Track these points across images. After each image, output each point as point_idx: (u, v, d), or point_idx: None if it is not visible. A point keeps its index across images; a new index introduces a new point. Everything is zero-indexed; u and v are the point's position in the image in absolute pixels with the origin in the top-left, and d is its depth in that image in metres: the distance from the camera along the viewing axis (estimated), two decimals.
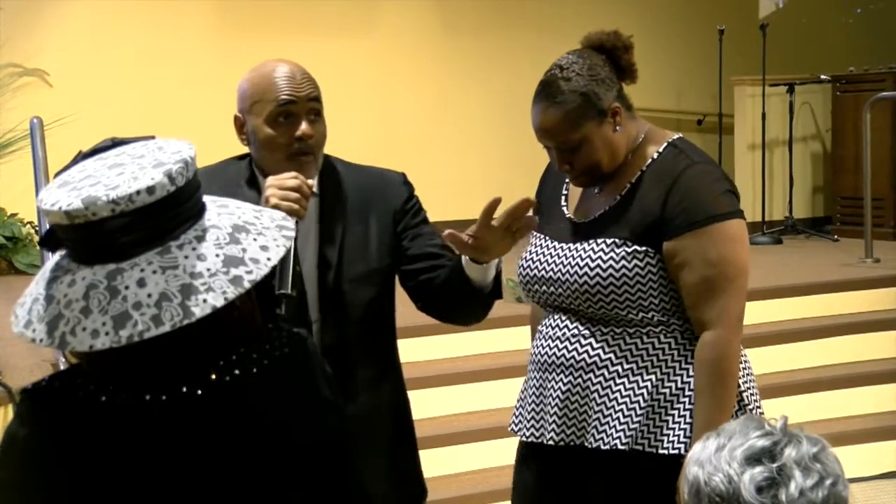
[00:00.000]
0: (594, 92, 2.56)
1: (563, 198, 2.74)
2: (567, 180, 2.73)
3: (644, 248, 2.55)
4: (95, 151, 1.56)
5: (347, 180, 2.59)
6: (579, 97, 2.55)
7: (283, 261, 2.29)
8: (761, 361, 5.65)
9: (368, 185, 2.60)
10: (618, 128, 2.59)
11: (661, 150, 2.62)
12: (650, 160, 2.61)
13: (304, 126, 2.45)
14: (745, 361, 2.67)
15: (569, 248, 2.64)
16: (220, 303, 1.44)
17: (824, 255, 7.46)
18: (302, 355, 1.61)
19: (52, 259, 1.53)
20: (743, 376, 2.62)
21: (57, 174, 1.54)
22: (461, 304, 2.54)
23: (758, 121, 8.45)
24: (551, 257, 2.65)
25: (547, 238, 2.70)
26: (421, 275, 2.57)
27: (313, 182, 2.48)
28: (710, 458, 1.51)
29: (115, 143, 1.58)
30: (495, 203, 2.35)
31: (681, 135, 2.68)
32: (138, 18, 7.71)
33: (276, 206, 2.32)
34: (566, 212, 2.72)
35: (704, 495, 1.49)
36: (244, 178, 2.55)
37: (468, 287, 2.46)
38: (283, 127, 2.45)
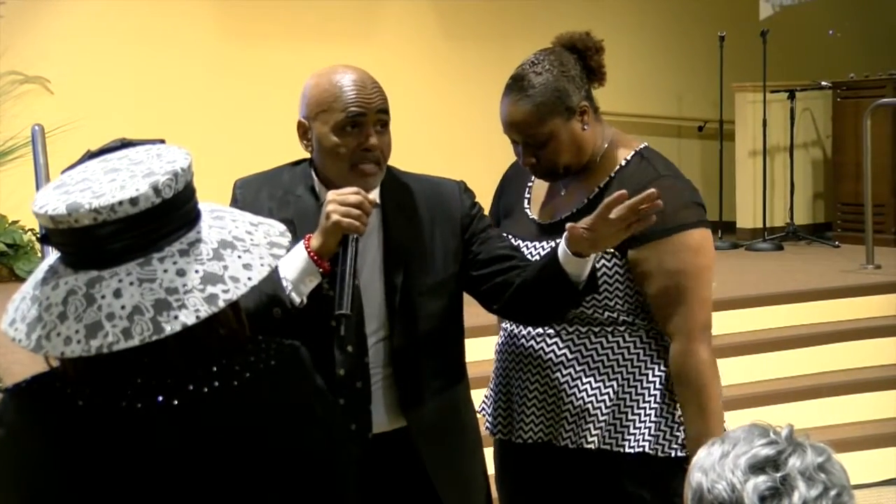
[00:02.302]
0: (564, 88, 2.57)
1: (527, 200, 2.75)
2: (530, 183, 2.74)
3: (611, 251, 2.54)
4: (103, 151, 1.56)
5: (408, 190, 2.54)
6: (550, 91, 2.56)
7: (342, 280, 2.27)
8: (762, 368, 5.67)
9: (429, 194, 2.55)
10: (585, 126, 2.60)
11: (629, 157, 2.63)
12: (619, 166, 2.62)
13: (372, 138, 2.41)
14: None
15: (534, 245, 2.65)
16: (191, 321, 1.43)
17: (825, 261, 7.45)
18: (289, 368, 1.58)
19: (48, 259, 1.53)
20: None
21: (64, 171, 1.53)
22: (551, 300, 2.47)
23: (759, 127, 8.44)
24: None
25: (512, 237, 2.70)
26: (496, 277, 2.52)
27: (374, 196, 2.44)
28: (714, 465, 1.50)
29: (124, 144, 1.57)
30: (621, 196, 2.30)
31: (647, 144, 2.69)
32: (139, 27, 7.71)
33: (336, 223, 2.30)
34: (530, 213, 2.72)
35: (707, 503, 1.49)
36: (303, 185, 2.50)
37: (563, 281, 2.41)
38: (350, 136, 2.40)
